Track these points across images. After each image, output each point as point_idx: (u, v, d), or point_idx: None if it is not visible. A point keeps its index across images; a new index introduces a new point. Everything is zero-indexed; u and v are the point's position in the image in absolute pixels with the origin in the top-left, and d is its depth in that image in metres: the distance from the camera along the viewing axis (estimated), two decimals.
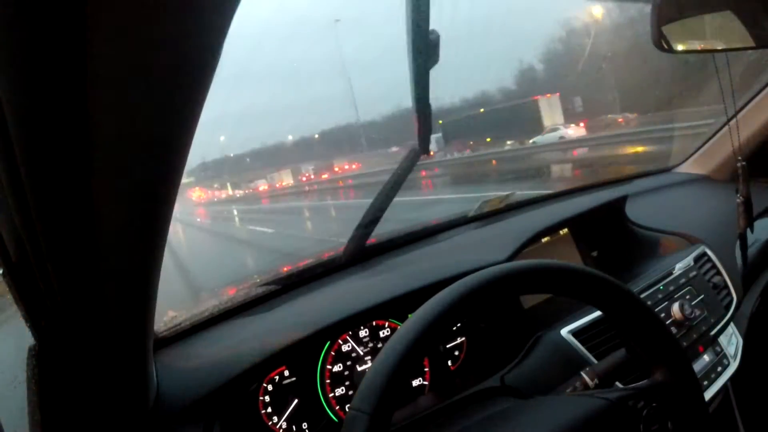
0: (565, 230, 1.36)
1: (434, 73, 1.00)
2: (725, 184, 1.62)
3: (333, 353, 0.99)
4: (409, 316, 0.61)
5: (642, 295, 1.12)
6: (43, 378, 0.60)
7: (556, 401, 0.79)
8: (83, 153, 0.36)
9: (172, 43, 0.31)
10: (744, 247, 1.20)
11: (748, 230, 1.20)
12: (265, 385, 0.94)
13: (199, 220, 16.87)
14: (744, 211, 1.15)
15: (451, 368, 1.10)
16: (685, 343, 1.10)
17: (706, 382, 1.12)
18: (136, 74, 0.32)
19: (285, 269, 1.24)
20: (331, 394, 0.98)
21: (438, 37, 0.96)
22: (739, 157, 1.13)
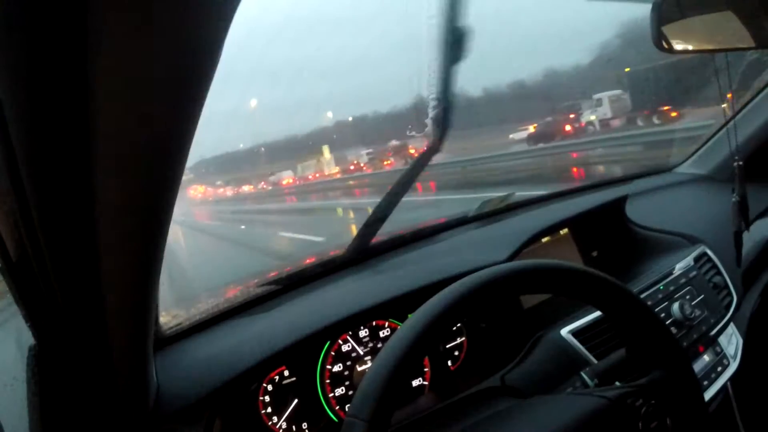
0: (565, 230, 1.36)
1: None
2: (725, 184, 1.61)
3: (333, 353, 0.99)
4: (409, 316, 0.61)
5: (642, 295, 1.12)
6: (43, 378, 0.60)
7: (556, 400, 0.79)
8: (83, 154, 0.36)
9: (171, 45, 0.31)
10: (738, 246, 1.20)
11: (746, 230, 1.20)
12: (265, 385, 0.94)
13: (207, 222, 14.04)
14: (739, 211, 1.16)
15: (451, 368, 1.10)
16: (685, 343, 1.10)
17: (706, 382, 1.12)
18: (135, 76, 0.32)
19: (285, 269, 1.24)
20: (331, 394, 0.98)
21: (466, 32, 0.95)
22: (736, 157, 1.13)
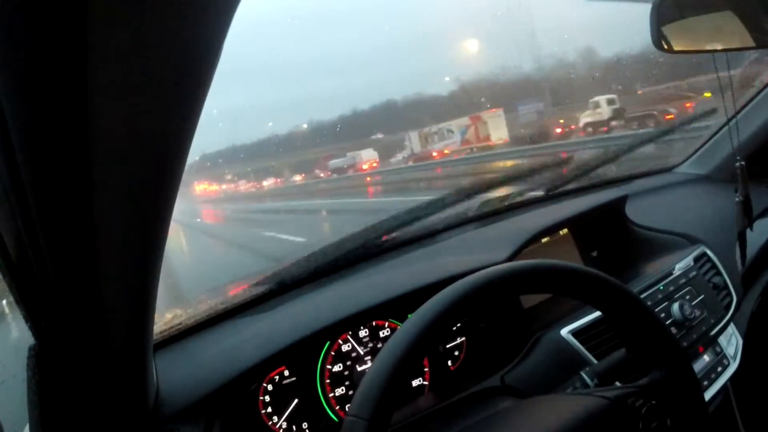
0: (565, 230, 1.36)
1: None
2: (725, 184, 1.62)
3: (333, 353, 0.99)
4: (409, 316, 0.61)
5: (642, 295, 1.12)
6: (43, 378, 0.60)
7: (556, 400, 0.79)
8: (83, 154, 0.36)
9: (172, 44, 0.31)
10: (743, 246, 1.20)
11: (748, 230, 1.20)
12: (265, 385, 0.94)
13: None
14: (743, 211, 1.16)
15: (451, 368, 1.10)
16: (685, 343, 1.10)
17: (706, 382, 1.12)
18: (135, 75, 0.32)
19: (285, 269, 1.24)
20: (331, 394, 0.98)
21: None
22: (738, 157, 1.14)
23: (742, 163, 1.13)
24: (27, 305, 0.54)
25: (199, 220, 10.08)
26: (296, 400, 0.96)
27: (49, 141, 0.35)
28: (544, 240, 1.31)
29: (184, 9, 0.30)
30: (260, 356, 0.87)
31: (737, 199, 1.15)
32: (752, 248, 1.42)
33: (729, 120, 1.47)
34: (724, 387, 1.16)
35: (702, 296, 1.20)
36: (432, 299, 0.61)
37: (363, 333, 1.03)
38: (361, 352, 1.02)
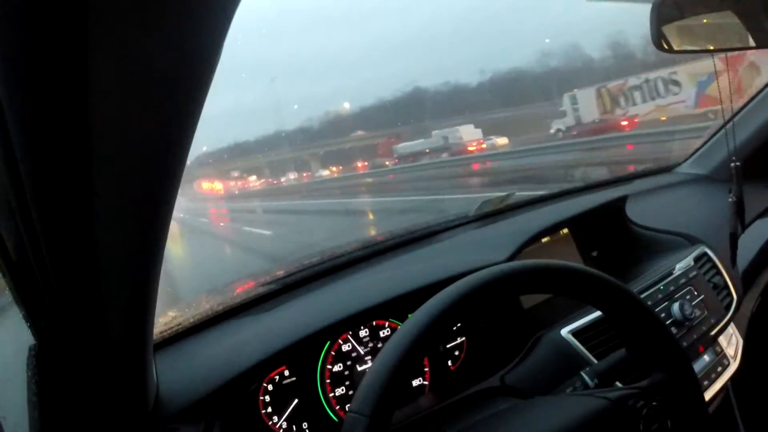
0: (565, 230, 1.36)
1: None
2: (725, 184, 1.62)
3: (333, 353, 0.99)
4: (409, 316, 0.61)
5: (642, 295, 1.12)
6: (43, 378, 0.60)
7: (556, 401, 0.79)
8: (83, 154, 0.36)
9: (171, 45, 0.31)
10: (734, 247, 1.20)
11: (741, 232, 1.20)
12: (265, 385, 0.94)
13: None
14: (735, 212, 1.16)
15: (451, 368, 1.10)
16: (685, 343, 1.10)
17: (706, 382, 1.12)
18: (135, 76, 0.32)
19: (285, 269, 1.24)
20: (331, 394, 0.98)
21: None
22: (734, 158, 1.14)
23: (737, 163, 1.13)
24: (27, 305, 0.54)
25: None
26: (296, 400, 0.96)
27: (49, 141, 0.35)
28: (544, 240, 1.30)
29: (184, 8, 0.30)
30: (260, 356, 0.87)
31: (731, 199, 1.16)
32: (752, 248, 1.42)
33: (728, 120, 1.47)
34: (724, 387, 1.16)
35: (702, 296, 1.19)
36: (432, 299, 0.61)
37: (363, 333, 1.03)
38: (362, 352, 1.02)
